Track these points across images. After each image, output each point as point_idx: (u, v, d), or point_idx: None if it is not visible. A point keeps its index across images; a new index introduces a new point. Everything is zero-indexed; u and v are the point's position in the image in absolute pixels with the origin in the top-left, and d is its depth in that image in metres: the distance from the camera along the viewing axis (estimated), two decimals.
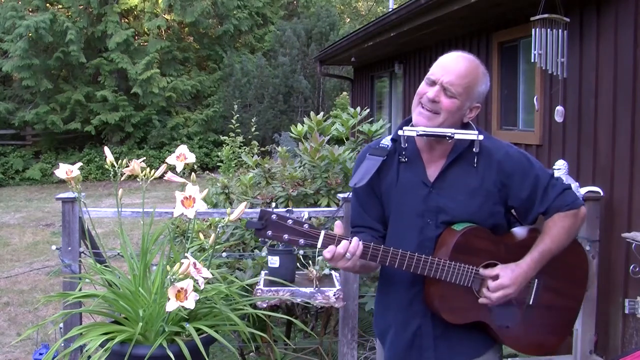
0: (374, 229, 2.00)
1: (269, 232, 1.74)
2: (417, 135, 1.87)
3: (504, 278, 1.82)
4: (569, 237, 1.89)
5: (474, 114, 1.91)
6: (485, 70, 1.92)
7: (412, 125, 1.92)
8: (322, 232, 1.75)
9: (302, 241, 1.75)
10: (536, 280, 1.91)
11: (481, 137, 1.87)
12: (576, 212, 1.90)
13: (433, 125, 1.86)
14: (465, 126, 1.93)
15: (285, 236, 1.74)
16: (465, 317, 1.87)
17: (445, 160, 1.91)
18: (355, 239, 1.77)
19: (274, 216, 1.74)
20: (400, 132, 1.91)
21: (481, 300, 1.85)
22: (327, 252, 1.75)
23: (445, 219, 1.88)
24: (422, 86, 1.89)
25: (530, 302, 1.91)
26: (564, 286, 1.96)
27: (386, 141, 1.98)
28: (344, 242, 1.75)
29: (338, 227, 1.79)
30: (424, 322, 1.93)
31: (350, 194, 2.05)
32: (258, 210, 3.72)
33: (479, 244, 1.86)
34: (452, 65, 1.86)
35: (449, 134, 1.85)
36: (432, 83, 1.87)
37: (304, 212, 3.19)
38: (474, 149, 1.88)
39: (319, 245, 1.75)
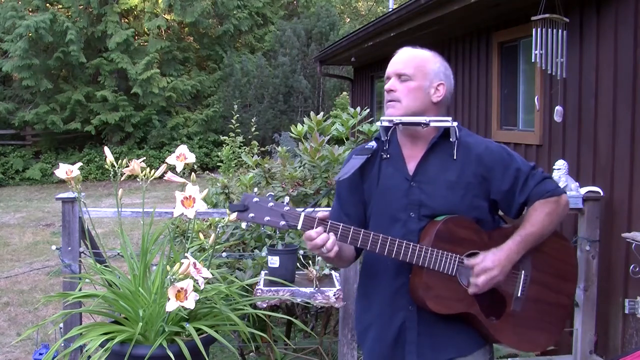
0: None
1: (251, 215, 1.78)
2: (393, 124, 1.93)
3: (487, 261, 1.84)
4: (552, 223, 1.91)
5: (442, 93, 1.96)
6: (435, 54, 2.04)
7: None
8: (302, 214, 1.79)
9: (282, 223, 1.78)
10: (523, 271, 1.92)
11: (455, 124, 1.91)
12: (557, 198, 1.92)
13: (399, 112, 1.93)
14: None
15: (266, 218, 1.78)
16: (451, 307, 1.87)
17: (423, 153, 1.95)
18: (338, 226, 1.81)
19: (255, 199, 1.78)
20: (377, 124, 1.96)
21: (470, 289, 1.85)
22: (313, 232, 1.78)
23: (427, 213, 1.90)
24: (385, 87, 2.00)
25: (519, 294, 1.92)
26: (553, 281, 1.97)
27: (371, 142, 2.03)
28: (321, 227, 1.79)
29: (321, 214, 1.82)
30: (408, 316, 1.93)
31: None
32: None
33: (461, 233, 1.87)
34: (396, 57, 2.02)
35: (424, 122, 1.90)
36: (388, 79, 1.99)
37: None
38: (450, 139, 1.92)
39: (299, 227, 1.78)
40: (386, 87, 1.97)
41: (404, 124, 1.93)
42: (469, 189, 1.90)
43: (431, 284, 1.85)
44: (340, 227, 1.81)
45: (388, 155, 1.99)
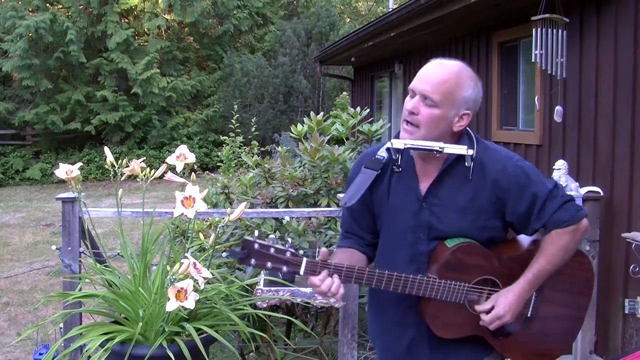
0: (361, 237, 2.01)
1: (253, 261, 1.76)
2: (405, 147, 1.82)
3: (498, 308, 1.80)
4: (567, 254, 1.83)
5: (464, 122, 1.83)
6: (472, 74, 1.85)
7: None
8: (304, 260, 1.77)
9: (285, 268, 1.77)
10: (534, 293, 1.87)
11: (471, 152, 1.81)
12: (575, 227, 1.81)
13: (415, 139, 1.81)
14: (460, 136, 1.87)
15: (269, 264, 1.77)
16: (458, 332, 1.86)
17: (436, 174, 1.86)
18: (334, 277, 1.78)
19: (256, 245, 1.76)
20: (388, 145, 1.86)
21: (481, 323, 1.83)
22: (317, 280, 1.77)
23: (436, 235, 1.85)
24: (407, 98, 1.86)
25: (529, 315, 1.89)
26: (567, 298, 1.93)
27: (382, 152, 1.93)
28: (325, 271, 1.77)
29: (323, 254, 1.79)
30: (418, 334, 1.91)
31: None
32: (258, 210, 3.74)
33: (471, 261, 1.82)
34: (428, 73, 1.81)
35: (438, 148, 1.78)
36: (413, 94, 1.83)
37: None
38: (465, 163, 1.82)
39: (301, 272, 1.78)
40: (408, 106, 1.81)
41: (416, 148, 1.81)
42: (481, 212, 1.83)
43: (438, 313, 1.84)
44: (344, 268, 1.78)
45: (400, 169, 1.89)
